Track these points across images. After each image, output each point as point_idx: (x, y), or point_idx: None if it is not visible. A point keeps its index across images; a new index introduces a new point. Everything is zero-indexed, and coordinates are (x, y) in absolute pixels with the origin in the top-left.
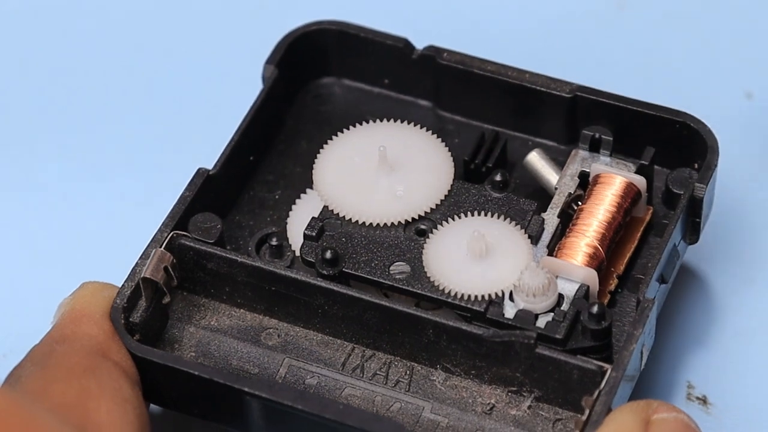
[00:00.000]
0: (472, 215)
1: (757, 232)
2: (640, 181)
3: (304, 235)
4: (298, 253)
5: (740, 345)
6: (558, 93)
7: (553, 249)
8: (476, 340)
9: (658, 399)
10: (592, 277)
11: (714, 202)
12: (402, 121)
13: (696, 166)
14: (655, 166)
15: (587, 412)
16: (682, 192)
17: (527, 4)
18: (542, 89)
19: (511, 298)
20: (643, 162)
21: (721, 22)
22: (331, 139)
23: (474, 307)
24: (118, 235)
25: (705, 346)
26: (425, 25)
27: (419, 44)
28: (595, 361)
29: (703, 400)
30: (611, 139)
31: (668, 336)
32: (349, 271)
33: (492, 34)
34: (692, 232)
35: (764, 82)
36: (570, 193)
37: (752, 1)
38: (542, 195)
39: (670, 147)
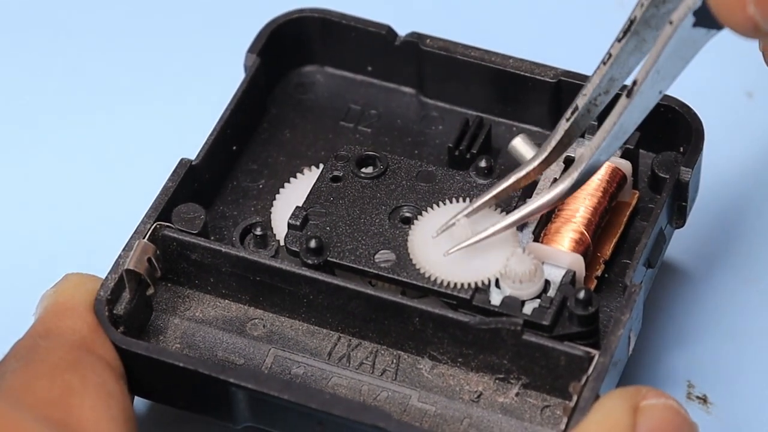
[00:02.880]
0: (457, 202)
1: (760, 233)
2: (626, 166)
3: (289, 224)
4: (282, 243)
5: (741, 344)
6: (542, 78)
7: (539, 235)
8: (463, 327)
9: None
10: (578, 263)
11: (716, 203)
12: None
13: (681, 149)
14: (641, 150)
15: (575, 398)
16: (668, 176)
17: None
18: (526, 74)
19: (497, 285)
20: (628, 146)
21: None
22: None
23: (460, 295)
24: (101, 226)
25: (706, 345)
26: (408, 11)
27: (402, 31)
28: (583, 347)
29: (703, 400)
30: (596, 123)
31: (668, 335)
32: (334, 260)
33: (475, 20)
34: (679, 216)
35: (764, 82)
36: (555, 178)
37: None
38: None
39: (655, 131)
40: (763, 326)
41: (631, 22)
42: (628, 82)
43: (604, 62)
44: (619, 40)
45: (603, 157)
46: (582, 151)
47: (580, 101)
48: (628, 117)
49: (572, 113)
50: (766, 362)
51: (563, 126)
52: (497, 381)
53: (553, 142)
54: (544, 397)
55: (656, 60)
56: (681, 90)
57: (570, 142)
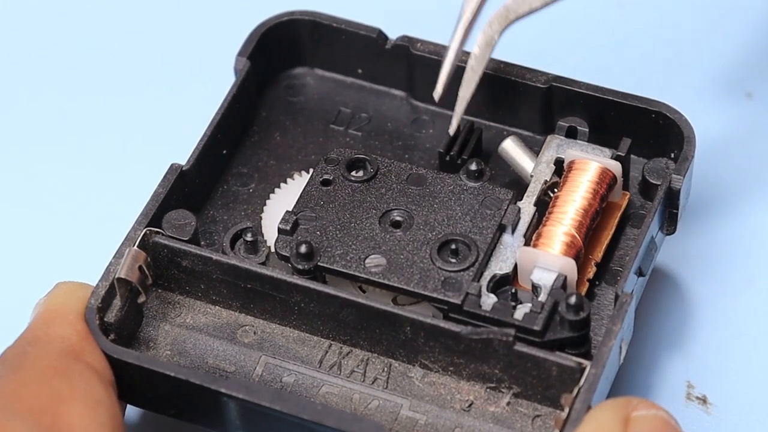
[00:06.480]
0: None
1: (758, 234)
2: (615, 167)
3: (279, 229)
4: (273, 248)
5: (740, 345)
6: (533, 83)
7: (529, 238)
8: (454, 337)
9: (657, 399)
10: (570, 267)
11: (717, 201)
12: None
13: (672, 155)
14: (632, 156)
15: (567, 410)
16: (659, 182)
17: None
18: (517, 79)
19: (488, 289)
20: (619, 153)
21: (721, 21)
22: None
23: (451, 300)
24: (91, 234)
25: (705, 346)
26: (398, 15)
27: (392, 34)
28: (574, 358)
29: (703, 400)
30: (587, 129)
31: (668, 336)
32: (325, 265)
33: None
34: (669, 223)
35: (764, 82)
36: (546, 180)
37: (753, 1)
38: (518, 185)
39: (646, 137)
40: (762, 326)
41: None
42: None
43: None
44: None
45: None
46: None
47: None
48: None
49: None
50: (765, 362)
51: None
52: (488, 390)
53: None
54: (536, 406)
55: None
56: (681, 90)
57: None
